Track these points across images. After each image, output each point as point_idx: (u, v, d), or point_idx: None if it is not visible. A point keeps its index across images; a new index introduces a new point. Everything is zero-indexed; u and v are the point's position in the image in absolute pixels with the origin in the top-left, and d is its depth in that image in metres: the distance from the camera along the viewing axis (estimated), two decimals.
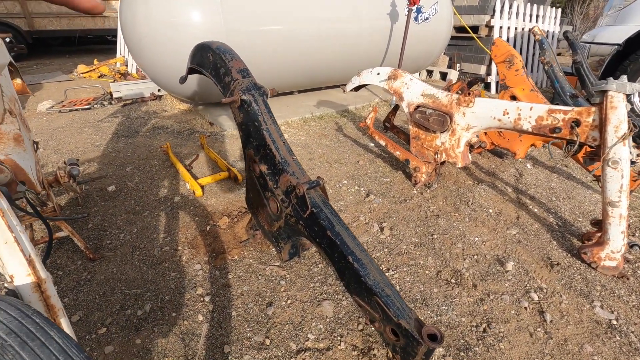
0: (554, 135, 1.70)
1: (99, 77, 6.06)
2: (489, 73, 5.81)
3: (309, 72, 3.73)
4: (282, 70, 3.50)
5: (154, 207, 2.01)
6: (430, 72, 6.07)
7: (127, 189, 2.17)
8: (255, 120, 1.42)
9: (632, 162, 2.80)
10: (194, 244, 1.77)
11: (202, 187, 2.14)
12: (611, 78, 1.51)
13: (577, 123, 1.63)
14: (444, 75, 5.90)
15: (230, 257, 1.69)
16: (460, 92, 3.09)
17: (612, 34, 4.05)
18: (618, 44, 3.94)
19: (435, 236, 1.82)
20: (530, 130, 1.77)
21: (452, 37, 6.11)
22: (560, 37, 8.22)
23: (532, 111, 1.75)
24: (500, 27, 5.63)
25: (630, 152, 2.74)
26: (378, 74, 2.44)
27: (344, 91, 2.72)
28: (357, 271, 1.15)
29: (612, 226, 1.56)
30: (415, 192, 2.26)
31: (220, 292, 1.50)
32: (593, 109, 1.58)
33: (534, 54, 6.44)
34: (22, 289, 0.68)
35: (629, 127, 1.49)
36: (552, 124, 1.69)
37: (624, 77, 1.50)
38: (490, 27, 5.64)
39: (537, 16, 6.25)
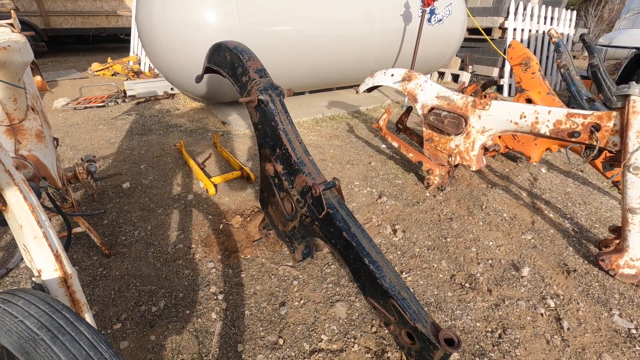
0: (573, 139, 1.67)
1: (112, 75, 6.14)
2: (501, 75, 5.75)
3: (320, 72, 3.73)
4: (294, 71, 3.50)
5: (168, 205, 2.03)
6: (442, 74, 6.02)
7: (142, 186, 2.19)
8: (272, 120, 1.42)
9: None
10: (207, 242, 1.78)
11: (215, 185, 2.15)
12: (634, 82, 1.48)
13: (597, 127, 1.60)
14: (455, 77, 5.85)
15: (243, 256, 1.70)
16: (474, 94, 3.07)
17: (630, 37, 3.99)
18: (636, 48, 3.87)
19: (449, 239, 1.80)
20: (548, 134, 1.75)
21: (465, 39, 6.07)
22: (575, 39, 8.10)
23: (551, 115, 1.73)
24: (514, 30, 5.56)
25: None
26: (392, 75, 2.43)
27: (357, 92, 2.72)
28: (373, 273, 1.14)
29: (632, 233, 1.53)
30: (427, 194, 2.25)
31: (234, 291, 1.51)
32: (614, 113, 1.55)
33: (548, 57, 6.36)
34: (50, 284, 0.69)
35: None
36: (570, 128, 1.67)
37: None
38: (503, 29, 5.58)
39: (552, 18, 6.16)
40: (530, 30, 5.85)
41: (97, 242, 1.63)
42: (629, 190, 1.51)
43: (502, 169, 2.64)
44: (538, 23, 5.94)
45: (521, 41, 5.77)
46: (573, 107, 3.20)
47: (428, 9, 3.70)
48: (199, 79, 1.87)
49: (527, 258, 1.69)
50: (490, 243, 1.78)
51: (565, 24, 6.49)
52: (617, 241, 1.65)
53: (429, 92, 2.24)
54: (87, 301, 0.74)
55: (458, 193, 2.26)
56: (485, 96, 1.95)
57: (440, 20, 4.23)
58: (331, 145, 2.93)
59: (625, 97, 1.50)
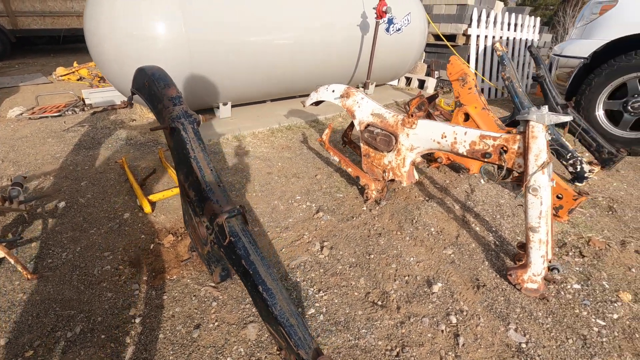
0: (486, 160, 1.76)
1: (77, 80, 6.03)
2: None
3: (280, 81, 3.77)
4: (251, 80, 3.53)
5: (102, 224, 2.04)
6: (409, 80, 6.13)
7: (78, 205, 2.20)
8: (184, 148, 1.46)
9: (585, 177, 2.90)
10: (136, 262, 1.80)
11: (153, 203, 2.17)
12: (533, 108, 1.57)
13: (505, 149, 1.69)
14: (422, 83, 5.96)
15: (169, 277, 1.73)
16: (417, 108, 3.16)
17: (579, 47, 4.12)
18: (585, 58, 4.02)
19: (373, 256, 1.87)
20: (465, 153, 1.83)
21: (432, 45, 6.19)
22: (540, 45, 8.34)
23: (467, 135, 1.81)
24: (478, 36, 5.70)
25: (578, 169, 2.83)
26: (333, 91, 2.49)
27: (304, 106, 2.76)
28: (265, 300, 1.20)
29: (533, 250, 1.62)
30: (364, 208, 2.31)
31: (152, 314, 1.54)
32: (518, 136, 1.64)
33: (518, 62, 6.55)
34: None
35: (548, 157, 1.55)
36: (483, 149, 1.75)
37: (545, 108, 1.56)
38: (467, 36, 5.71)
39: (516, 25, 6.34)
40: (494, 37, 6.00)
41: (17, 267, 1.64)
42: (529, 210, 1.61)
43: (443, 180, 2.74)
44: (502, 30, 6.10)
45: (485, 48, 5.91)
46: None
47: (384, 20, 3.78)
48: (129, 100, 1.89)
49: (443, 274, 1.77)
50: (411, 259, 1.86)
51: (529, 30, 6.68)
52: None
53: (365, 109, 2.30)
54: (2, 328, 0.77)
55: (394, 207, 2.34)
56: (412, 115, 2.02)
57: (399, 29, 4.32)
58: (281, 157, 2.98)
59: (526, 122, 1.59)
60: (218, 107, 3.59)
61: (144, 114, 3.74)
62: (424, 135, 1.99)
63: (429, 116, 3.14)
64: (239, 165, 2.78)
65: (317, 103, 2.75)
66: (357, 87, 4.28)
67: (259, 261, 1.27)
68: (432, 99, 3.10)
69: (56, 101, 4.33)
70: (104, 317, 1.52)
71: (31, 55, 8.47)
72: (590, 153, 3.33)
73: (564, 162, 2.92)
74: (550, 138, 1.61)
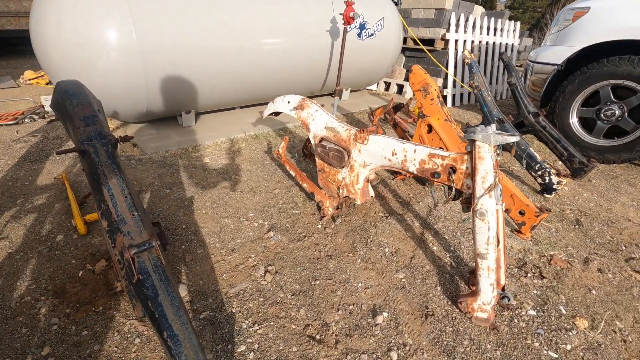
0: (436, 179, 1.66)
1: (47, 84, 5.82)
2: (445, 86, 5.83)
3: (246, 88, 3.64)
4: (214, 87, 3.39)
5: (31, 248, 1.89)
6: (388, 85, 6.05)
7: (9, 227, 2.04)
8: (95, 173, 1.33)
9: (554, 189, 2.83)
10: (60, 292, 1.66)
11: (89, 223, 2.03)
12: (479, 127, 1.47)
13: (453, 169, 1.59)
14: (401, 87, 5.88)
15: (94, 309, 1.59)
16: (386, 116, 3.06)
17: (553, 53, 4.08)
18: (558, 64, 3.97)
19: (319, 282, 1.75)
20: (415, 172, 1.73)
21: (411, 49, 6.12)
22: (520, 49, 8.35)
23: (416, 154, 1.71)
24: (456, 41, 5.64)
25: (547, 180, 2.76)
26: (289, 102, 2.37)
27: (262, 117, 2.64)
28: (170, 348, 1.07)
29: (482, 278, 1.52)
30: (319, 227, 2.20)
31: (67, 354, 1.40)
32: (466, 156, 1.54)
33: (492, 66, 6.51)
34: None
35: (495, 180, 1.45)
36: (432, 168, 1.65)
37: (493, 127, 1.46)
38: (446, 41, 5.65)
39: (496, 29, 6.30)
40: (473, 42, 5.95)
41: None
42: (477, 235, 1.51)
43: (407, 193, 2.64)
44: (481, 34, 6.05)
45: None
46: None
47: (353, 26, 3.68)
48: (55, 117, 1.74)
49: (391, 301, 1.66)
50: (360, 284, 1.75)
51: (509, 34, 6.66)
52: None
53: (319, 122, 2.19)
54: None
55: (350, 224, 2.23)
56: (363, 130, 1.91)
57: (372, 35, 4.22)
58: (240, 169, 2.85)
59: (473, 142, 1.49)
60: (181, 115, 3.45)
61: None
62: (375, 151, 1.88)
63: (395, 126, 3.05)
64: (193, 179, 2.64)
65: (276, 114, 2.64)
66: (332, 94, 4.19)
67: (167, 303, 1.15)
68: (397, 108, 3.01)
69: (21, 107, 4.14)
70: (13, 357, 1.37)
71: (5, 58, 8.19)
72: (562, 162, 3.28)
73: (533, 174, 2.85)
74: (499, 158, 1.51)
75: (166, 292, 1.16)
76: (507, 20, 6.46)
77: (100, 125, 1.39)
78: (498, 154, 1.51)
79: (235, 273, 1.80)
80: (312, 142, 2.23)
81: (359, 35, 4.08)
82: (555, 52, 4.04)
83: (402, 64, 6.30)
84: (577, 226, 2.48)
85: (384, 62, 4.68)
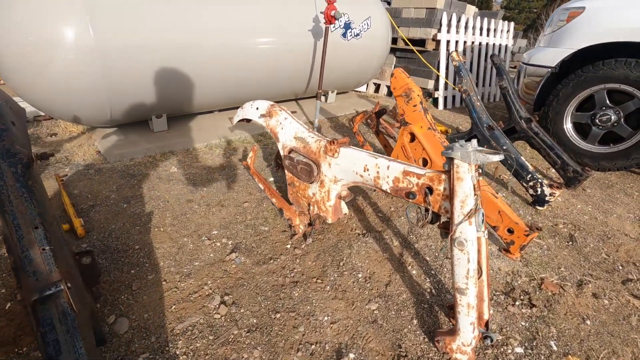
0: (411, 200, 1.46)
1: None
2: (436, 88, 5.65)
3: (221, 90, 3.43)
4: (186, 89, 3.17)
5: None
6: (378, 86, 5.85)
7: None
8: None
9: (546, 201, 2.64)
10: None
11: None
12: (457, 144, 1.27)
13: (430, 190, 1.39)
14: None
15: (17, 349, 1.37)
16: (368, 122, 2.86)
17: (547, 55, 3.90)
18: (552, 67, 3.80)
19: (280, 315, 1.55)
20: (389, 191, 1.53)
21: (402, 50, 5.93)
22: (514, 50, 8.19)
23: (390, 170, 1.51)
24: (448, 41, 5.46)
25: (539, 192, 2.58)
26: (257, 108, 2.17)
27: (232, 124, 2.43)
28: None
29: (462, 316, 1.33)
30: (288, 246, 2.00)
31: None
32: (443, 176, 1.34)
33: (486, 68, 6.34)
34: None
35: (475, 204, 1.25)
36: (407, 188, 1.45)
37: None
38: (437, 41, 5.46)
39: (489, 30, 6.13)
40: (465, 42, 5.77)
41: None
42: (456, 267, 1.31)
43: (388, 207, 2.44)
44: (474, 35, 5.88)
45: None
46: (474, 136, 3.04)
47: (335, 26, 3.48)
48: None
49: (360, 339, 1.46)
50: (326, 318, 1.55)
51: (503, 35, 6.48)
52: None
53: (288, 132, 1.98)
54: None
55: (323, 244, 2.03)
56: (334, 142, 1.71)
57: (358, 34, 4.02)
58: (210, 180, 2.63)
59: (451, 160, 1.29)
60: (152, 120, 3.23)
61: (67, 127, 3.34)
62: (346, 166, 1.68)
63: (378, 133, 2.85)
64: (155, 191, 2.42)
65: (247, 120, 2.43)
66: (317, 96, 4.00)
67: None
68: (380, 113, 2.81)
69: None
70: None
71: None
72: (555, 170, 3.11)
73: (524, 184, 2.67)
74: (481, 178, 1.32)
75: (72, 348, 0.96)
76: (501, 21, 6.29)
77: (10, 141, 1.18)
78: (480, 174, 1.31)
79: (186, 304, 1.59)
80: (281, 152, 2.03)
81: (344, 35, 3.88)
82: (549, 54, 3.87)
83: (393, 65, 6.11)
84: (570, 242, 2.30)
85: (371, 63, 4.49)
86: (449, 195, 1.32)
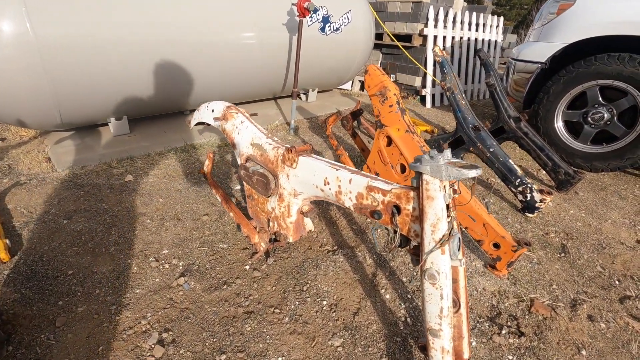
0: (377, 220, 1.23)
1: None
2: (424, 85, 5.43)
3: (187, 89, 3.16)
4: (146, 88, 2.91)
5: None
6: (363, 83, 5.62)
7: None
8: None
9: (536, 208, 2.44)
10: None
11: None
12: (426, 156, 1.04)
13: (397, 209, 1.16)
14: None
15: None
16: (343, 124, 2.63)
17: (536, 51, 3.71)
18: (542, 62, 3.60)
19: (225, 357, 1.32)
20: (352, 209, 1.30)
21: (388, 46, 5.70)
22: (504, 46, 8.02)
23: (352, 185, 1.28)
24: (435, 37, 5.24)
25: (528, 197, 2.38)
26: (212, 110, 1.92)
27: (189, 127, 2.18)
28: None
29: None
30: (247, 267, 1.76)
31: None
32: (412, 193, 1.11)
33: (475, 64, 6.15)
34: None
35: (449, 228, 1.03)
36: (372, 206, 1.23)
37: (447, 153, 1.04)
38: (424, 37, 5.24)
39: (477, 25, 5.93)
40: (453, 38, 5.57)
41: None
42: (427, 304, 1.09)
43: (364, 218, 2.21)
44: (462, 30, 5.68)
45: (444, 48, 5.46)
46: (459, 137, 2.82)
47: (311, 19, 3.24)
48: None
49: None
50: (280, 359, 1.32)
51: (492, 30, 6.29)
52: None
53: (245, 137, 1.74)
54: None
55: (287, 264, 1.80)
56: (292, 150, 1.47)
57: (338, 29, 3.78)
58: (167, 189, 2.38)
59: (420, 175, 1.07)
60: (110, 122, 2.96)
61: (18, 132, 3.06)
62: (306, 178, 1.44)
63: (354, 135, 2.62)
64: (103, 204, 2.17)
65: (207, 124, 2.18)
66: (292, 95, 3.75)
67: None
68: (355, 114, 2.58)
69: None
70: None
71: None
72: (546, 173, 2.92)
73: (513, 189, 2.46)
74: (456, 196, 1.10)
75: None
76: (490, 15, 6.09)
77: None
78: (455, 191, 1.09)
79: (117, 344, 1.35)
80: (238, 161, 1.79)
81: (322, 29, 3.63)
82: (539, 49, 3.67)
83: (380, 62, 5.88)
84: (562, 254, 2.10)
85: (353, 60, 4.25)
86: (420, 217, 1.10)
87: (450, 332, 1.08)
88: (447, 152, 1.05)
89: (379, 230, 2.12)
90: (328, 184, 1.35)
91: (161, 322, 1.44)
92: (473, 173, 0.99)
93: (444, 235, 1.03)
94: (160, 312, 1.49)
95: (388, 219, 1.19)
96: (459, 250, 1.10)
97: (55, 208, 2.08)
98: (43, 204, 2.11)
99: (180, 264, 1.76)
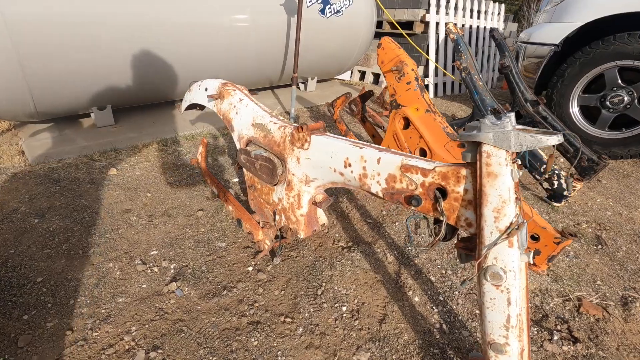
0: (414, 207, 0.99)
1: None
2: (426, 74, 5.21)
3: (177, 75, 2.89)
4: (132, 75, 2.64)
5: None
6: (363, 73, 5.39)
7: None
8: None
9: (565, 197, 2.23)
10: None
11: None
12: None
13: (442, 192, 0.93)
14: (377, 77, 5.24)
15: None
16: (351, 108, 2.38)
17: (548, 32, 3.50)
18: (555, 45, 3.40)
19: None
20: (381, 195, 1.06)
21: (388, 34, 5.46)
22: (505, 34, 7.85)
23: (381, 165, 1.03)
24: (437, 23, 5.03)
25: (555, 185, 2.17)
26: (206, 89, 1.67)
27: (181, 112, 1.92)
28: None
29: None
30: (250, 269, 1.51)
31: None
32: (464, 171, 0.88)
33: (483, 53, 5.99)
34: None
35: (517, 214, 0.80)
36: (407, 190, 0.99)
37: (510, 117, 0.80)
38: (426, 23, 5.02)
39: (479, 12, 5.74)
40: (455, 25, 5.35)
41: None
42: (489, 311, 0.85)
43: (379, 210, 1.98)
44: (464, 16, 5.48)
45: (446, 37, 5.25)
46: (477, 120, 2.61)
47: (312, 1, 3.00)
48: None
49: None
50: None
51: (494, 17, 6.12)
52: None
53: (245, 117, 1.49)
54: None
55: (296, 264, 1.55)
56: (302, 128, 1.22)
57: (338, 11, 3.54)
58: (157, 184, 2.12)
59: (476, 147, 0.83)
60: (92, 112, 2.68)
61: None
62: (321, 160, 1.20)
63: (364, 121, 2.38)
64: (81, 200, 1.90)
65: (201, 107, 1.92)
66: (292, 81, 3.50)
67: None
68: (366, 97, 2.34)
69: None
70: None
71: None
72: (567, 160, 2.71)
73: (537, 176, 2.25)
74: (521, 174, 0.86)
75: None
76: (492, 2, 5.90)
77: None
78: (520, 167, 0.86)
79: None
80: (237, 145, 1.54)
81: (322, 11, 3.39)
82: (552, 30, 3.47)
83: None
84: (599, 246, 1.89)
85: (355, 45, 4.00)
86: (474, 201, 0.86)
87: (519, 348, 0.84)
88: (512, 117, 0.81)
89: (413, 221, 1.89)
90: (349, 165, 1.11)
91: (148, 338, 1.19)
92: (554, 140, 0.75)
93: (511, 223, 0.79)
94: (147, 326, 1.23)
95: (429, 205, 0.95)
96: (526, 243, 0.86)
97: (25, 205, 1.80)
98: (11, 202, 1.83)
99: (172, 266, 1.51)
